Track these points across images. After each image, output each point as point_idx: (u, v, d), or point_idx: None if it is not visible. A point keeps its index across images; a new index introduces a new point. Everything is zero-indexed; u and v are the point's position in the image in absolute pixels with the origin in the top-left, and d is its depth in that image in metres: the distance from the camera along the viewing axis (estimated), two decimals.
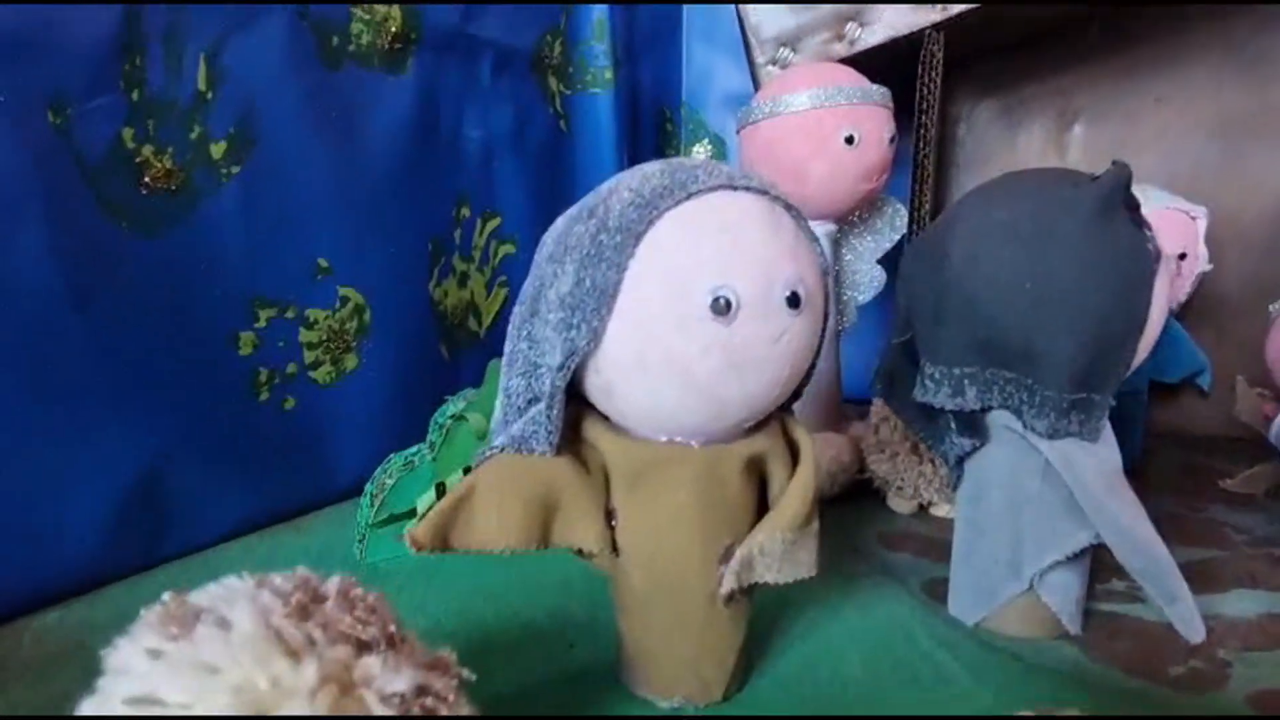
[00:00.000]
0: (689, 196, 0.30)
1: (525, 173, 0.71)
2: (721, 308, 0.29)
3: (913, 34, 0.60)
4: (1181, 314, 0.72)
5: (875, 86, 0.56)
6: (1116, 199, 0.36)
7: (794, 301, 0.30)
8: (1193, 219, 0.65)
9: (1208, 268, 0.66)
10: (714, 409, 0.31)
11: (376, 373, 0.58)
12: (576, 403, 0.34)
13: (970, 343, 0.37)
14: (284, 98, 0.51)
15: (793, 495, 0.34)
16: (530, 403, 0.33)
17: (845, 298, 0.65)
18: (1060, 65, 0.76)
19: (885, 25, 0.60)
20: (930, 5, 0.59)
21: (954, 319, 0.38)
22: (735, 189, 0.31)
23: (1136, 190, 0.66)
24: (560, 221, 0.33)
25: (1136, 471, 0.68)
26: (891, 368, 0.42)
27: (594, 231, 0.31)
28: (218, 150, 0.48)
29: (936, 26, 0.59)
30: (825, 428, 0.61)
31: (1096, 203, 0.35)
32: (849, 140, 0.55)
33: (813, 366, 0.34)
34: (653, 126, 0.88)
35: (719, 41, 0.85)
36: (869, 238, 0.64)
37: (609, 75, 0.77)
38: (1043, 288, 0.35)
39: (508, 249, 0.70)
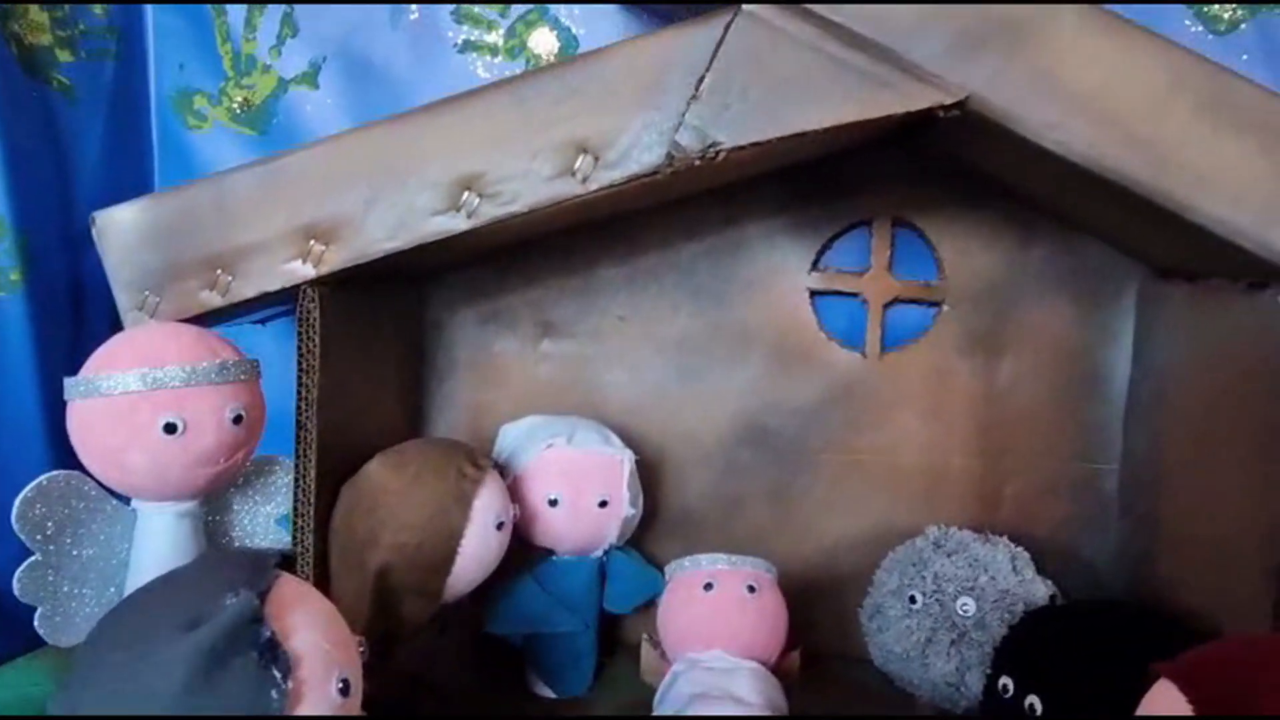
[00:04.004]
0: None
1: None
2: None
3: (288, 289, 0.54)
4: (640, 534, 0.72)
5: (215, 362, 0.50)
6: (236, 645, 0.31)
7: None
8: (618, 462, 0.65)
9: (631, 512, 0.65)
10: None
11: None
12: None
13: None
14: None
15: None
16: None
17: None
18: (533, 278, 0.75)
19: (257, 277, 0.55)
20: (300, 261, 0.54)
21: None
22: None
23: (565, 427, 0.66)
24: None
25: (583, 707, 0.66)
26: None
27: None
28: None
29: (312, 283, 0.54)
30: None
31: (201, 658, 0.30)
32: (170, 428, 0.48)
33: None
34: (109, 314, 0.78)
35: None
36: (262, 502, 0.58)
37: (15, 277, 0.67)
38: None
39: None
